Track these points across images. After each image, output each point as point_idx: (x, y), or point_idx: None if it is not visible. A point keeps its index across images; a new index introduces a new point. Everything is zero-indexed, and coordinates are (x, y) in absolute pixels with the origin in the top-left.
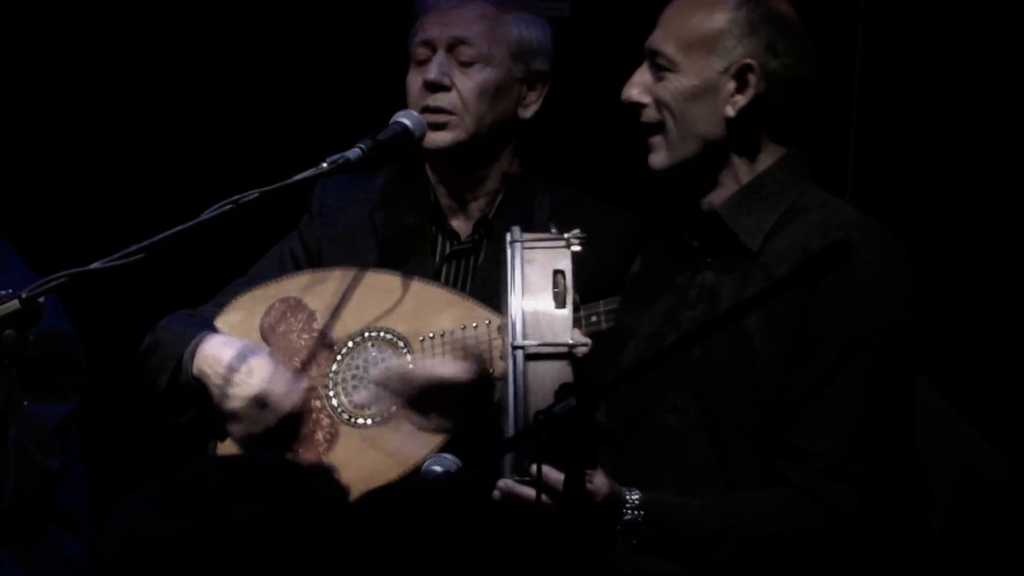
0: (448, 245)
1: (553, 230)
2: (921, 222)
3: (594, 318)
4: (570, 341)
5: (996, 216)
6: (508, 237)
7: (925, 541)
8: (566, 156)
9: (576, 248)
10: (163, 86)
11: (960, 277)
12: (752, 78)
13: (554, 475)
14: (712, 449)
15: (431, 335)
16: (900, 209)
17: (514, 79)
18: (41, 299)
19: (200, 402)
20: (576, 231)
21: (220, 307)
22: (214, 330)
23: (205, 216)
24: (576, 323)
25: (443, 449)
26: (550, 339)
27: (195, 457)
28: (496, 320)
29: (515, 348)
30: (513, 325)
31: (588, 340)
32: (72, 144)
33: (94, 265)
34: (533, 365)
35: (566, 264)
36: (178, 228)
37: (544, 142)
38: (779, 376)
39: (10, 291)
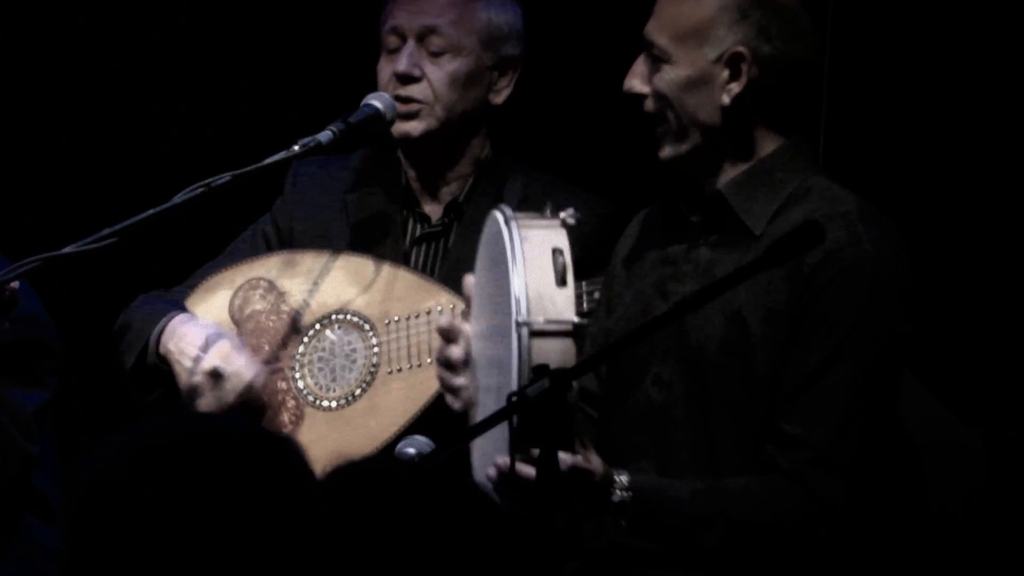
0: (419, 228)
1: (547, 211)
2: (889, 204)
3: (596, 293)
4: (575, 319)
5: (965, 197)
6: (500, 216)
7: (918, 528)
8: (539, 139)
9: (571, 222)
10: (133, 70)
11: (927, 258)
12: (744, 66)
13: (559, 455)
14: (697, 424)
15: (396, 318)
16: (869, 190)
17: (484, 66)
18: (15, 284)
19: (166, 382)
20: (571, 210)
21: (192, 288)
22: (184, 310)
23: (177, 200)
24: (579, 299)
25: (409, 430)
26: (554, 316)
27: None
28: (460, 304)
29: (520, 325)
30: (517, 302)
31: (590, 320)
32: (43, 129)
33: (66, 249)
34: (538, 342)
35: (563, 242)
36: (150, 212)
37: (517, 125)
38: (773, 359)
39: None
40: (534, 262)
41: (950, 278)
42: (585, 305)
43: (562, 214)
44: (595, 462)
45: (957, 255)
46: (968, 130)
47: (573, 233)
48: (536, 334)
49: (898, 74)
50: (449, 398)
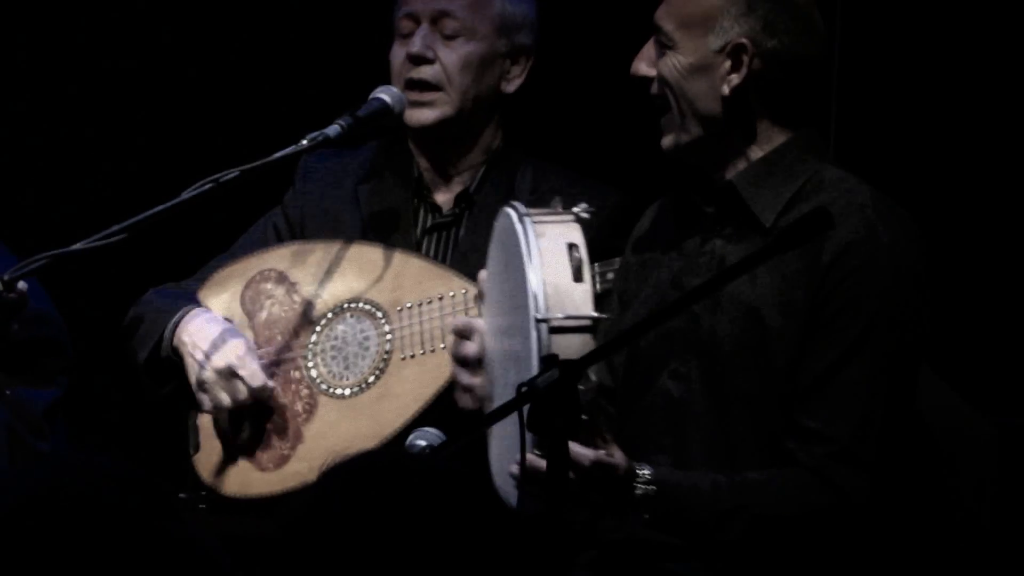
0: (430, 218)
1: (558, 206)
2: (900, 193)
3: (610, 275)
4: (593, 313)
5: (977, 186)
6: (513, 213)
7: (932, 516)
8: (550, 130)
9: (585, 216)
10: (141, 66)
11: (939, 246)
12: (745, 58)
13: (579, 451)
14: (715, 419)
15: (408, 305)
16: (880, 179)
17: (498, 53)
18: (22, 284)
19: (180, 374)
20: (583, 204)
21: (203, 281)
22: (197, 303)
23: (186, 195)
24: (592, 279)
25: (423, 416)
26: (572, 312)
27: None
28: (472, 289)
29: (539, 321)
30: (535, 298)
31: (608, 315)
32: (51, 125)
33: (76, 246)
34: (557, 338)
35: (578, 237)
36: (159, 208)
37: (528, 116)
38: (790, 352)
39: None
40: (550, 258)
41: (962, 266)
42: (598, 286)
43: (575, 208)
44: (618, 456)
45: (969, 243)
46: (979, 119)
47: (586, 225)
48: (555, 330)
49: (909, 63)
50: (463, 396)
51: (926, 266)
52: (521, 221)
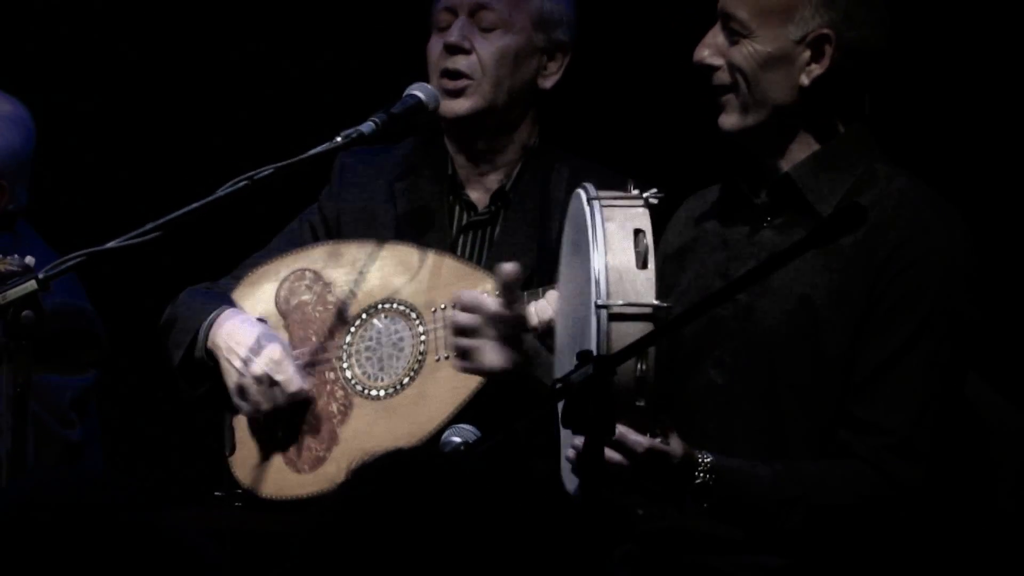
0: (465, 216)
1: (630, 188)
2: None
3: None
4: (654, 301)
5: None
6: (584, 194)
7: (974, 508)
8: (587, 128)
9: (654, 202)
10: (176, 63)
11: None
12: (828, 48)
13: (633, 438)
14: (762, 407)
15: (443, 306)
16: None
17: (535, 48)
18: (29, 259)
19: (214, 376)
20: (654, 190)
21: (238, 280)
22: (231, 304)
23: (221, 193)
24: None
25: (457, 418)
26: (634, 299)
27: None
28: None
29: (599, 307)
30: (597, 283)
31: (669, 303)
32: (88, 123)
33: (111, 244)
34: (617, 325)
35: (646, 223)
36: (194, 205)
37: (565, 114)
38: (845, 343)
39: (15, 256)
40: (615, 243)
41: (995, 261)
42: None
43: (645, 193)
44: (675, 444)
45: (999, 239)
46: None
47: (654, 211)
48: (615, 317)
49: (940, 56)
50: (456, 361)
51: (977, 261)
52: (590, 204)
